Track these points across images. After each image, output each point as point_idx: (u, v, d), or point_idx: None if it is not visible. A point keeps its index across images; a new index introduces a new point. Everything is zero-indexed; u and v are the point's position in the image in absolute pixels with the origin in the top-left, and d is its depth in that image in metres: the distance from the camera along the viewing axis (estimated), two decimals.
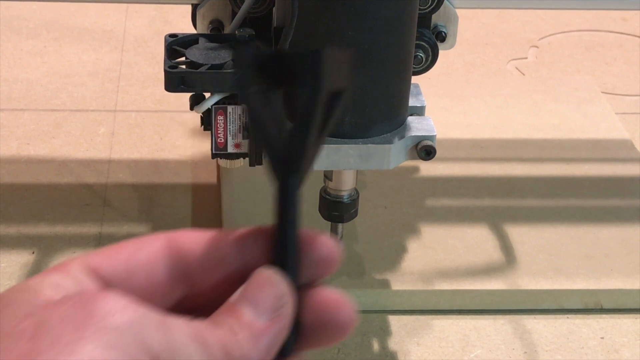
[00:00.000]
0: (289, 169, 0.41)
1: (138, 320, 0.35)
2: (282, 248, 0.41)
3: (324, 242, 0.43)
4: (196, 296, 0.40)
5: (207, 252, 0.40)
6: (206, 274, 0.40)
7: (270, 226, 0.43)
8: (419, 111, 0.77)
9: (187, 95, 0.74)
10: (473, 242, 0.92)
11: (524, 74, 1.25)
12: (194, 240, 0.40)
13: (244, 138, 0.74)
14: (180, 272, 0.40)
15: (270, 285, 0.39)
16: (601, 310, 0.88)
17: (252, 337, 0.37)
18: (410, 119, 0.76)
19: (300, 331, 0.39)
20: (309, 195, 0.90)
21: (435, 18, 0.81)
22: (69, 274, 0.38)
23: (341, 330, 0.40)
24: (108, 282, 0.38)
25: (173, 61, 0.72)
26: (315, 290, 0.42)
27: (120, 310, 0.35)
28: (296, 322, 0.39)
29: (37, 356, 0.33)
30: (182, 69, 0.71)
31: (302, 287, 0.41)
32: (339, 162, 0.73)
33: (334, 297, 0.42)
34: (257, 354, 0.37)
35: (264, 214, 0.93)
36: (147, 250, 0.39)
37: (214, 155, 0.75)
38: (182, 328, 0.36)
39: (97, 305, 0.35)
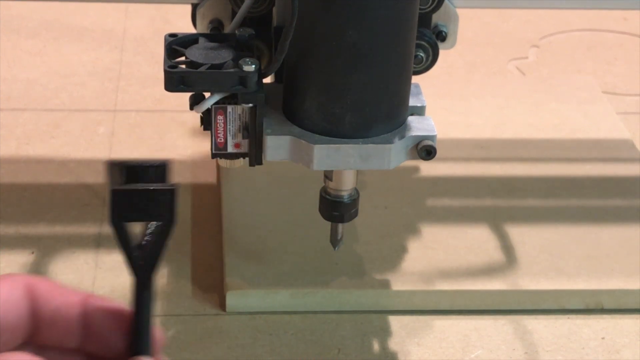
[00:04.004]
0: (140, 281, 0.48)
1: None
2: (140, 341, 0.49)
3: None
4: (38, 339, 0.46)
5: (58, 307, 0.46)
6: (52, 325, 0.45)
7: (116, 306, 0.50)
8: (419, 111, 0.77)
9: (187, 95, 0.73)
10: (474, 242, 0.92)
11: (524, 74, 1.25)
12: (49, 291, 0.46)
13: (243, 138, 0.74)
14: (32, 316, 0.44)
15: None
16: (602, 311, 0.88)
17: None
18: (410, 119, 0.76)
19: None
20: (309, 195, 0.90)
21: (436, 17, 0.81)
22: None
23: None
24: None
25: (173, 61, 0.72)
26: None
27: None
28: None
29: None
30: (182, 68, 0.71)
31: None
32: (339, 162, 0.73)
33: None
34: None
35: (264, 214, 0.93)
36: (8, 287, 0.43)
37: (213, 155, 0.75)
38: None
39: None
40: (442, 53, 0.81)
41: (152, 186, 0.48)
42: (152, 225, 0.49)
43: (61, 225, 0.93)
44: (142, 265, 0.49)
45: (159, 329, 0.50)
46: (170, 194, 0.48)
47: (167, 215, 0.48)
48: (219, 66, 0.71)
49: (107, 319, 0.49)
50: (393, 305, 0.86)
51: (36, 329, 0.46)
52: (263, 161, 0.75)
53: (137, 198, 0.47)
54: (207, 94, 0.73)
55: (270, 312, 0.85)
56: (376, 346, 0.83)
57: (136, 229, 0.49)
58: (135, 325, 0.49)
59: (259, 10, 0.78)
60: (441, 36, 0.81)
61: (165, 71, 0.70)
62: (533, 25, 1.36)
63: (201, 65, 0.71)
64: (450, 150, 1.04)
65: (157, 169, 0.49)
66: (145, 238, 0.49)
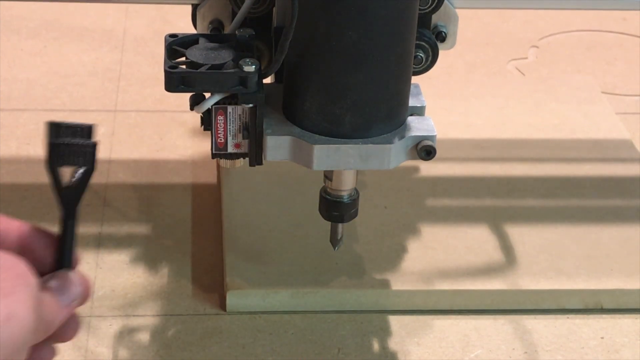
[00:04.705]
0: (67, 212, 0.63)
1: (37, 280, 0.56)
2: (64, 258, 0.62)
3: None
4: None
5: (1, 229, 0.61)
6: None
7: (48, 230, 0.63)
8: (419, 111, 0.77)
9: (187, 95, 0.74)
10: (473, 242, 0.92)
11: (524, 74, 1.25)
12: None
13: (244, 138, 0.74)
14: None
15: (74, 286, 0.61)
16: (602, 310, 0.88)
17: (58, 310, 0.59)
18: (410, 119, 0.76)
19: None
20: (309, 195, 0.90)
21: (436, 18, 0.81)
22: None
23: None
24: None
25: (173, 61, 0.72)
26: None
27: (32, 273, 0.56)
28: None
29: None
30: (182, 69, 0.71)
31: None
32: (339, 162, 0.73)
33: None
34: (57, 320, 0.59)
35: (264, 214, 0.93)
36: None
37: (214, 155, 0.75)
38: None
39: (19, 266, 0.55)
40: (442, 53, 0.81)
41: (80, 140, 0.61)
42: (78, 171, 0.62)
43: None
44: (68, 200, 0.63)
45: (78, 252, 0.64)
46: (93, 147, 0.61)
47: (89, 163, 0.61)
48: (219, 66, 0.71)
49: (40, 241, 0.62)
50: (393, 305, 0.86)
51: None
52: (263, 161, 0.75)
53: (68, 149, 0.61)
54: (207, 94, 0.73)
55: (270, 312, 0.85)
56: (376, 346, 0.83)
57: (65, 175, 0.62)
58: (61, 246, 0.62)
59: (259, 10, 0.78)
60: (441, 36, 0.81)
61: (165, 71, 0.70)
62: (533, 25, 1.37)
63: (201, 65, 0.71)
64: (450, 150, 1.04)
65: (85, 130, 0.61)
66: (72, 180, 0.62)
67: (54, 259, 0.62)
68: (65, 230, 0.63)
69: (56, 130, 0.61)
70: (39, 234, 0.63)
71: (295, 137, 0.73)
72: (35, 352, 0.60)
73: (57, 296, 0.60)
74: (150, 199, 0.98)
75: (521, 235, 0.93)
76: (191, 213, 0.96)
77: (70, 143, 0.61)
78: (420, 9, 0.77)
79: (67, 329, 0.62)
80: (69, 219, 0.63)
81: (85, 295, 0.63)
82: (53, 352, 0.62)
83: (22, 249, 0.61)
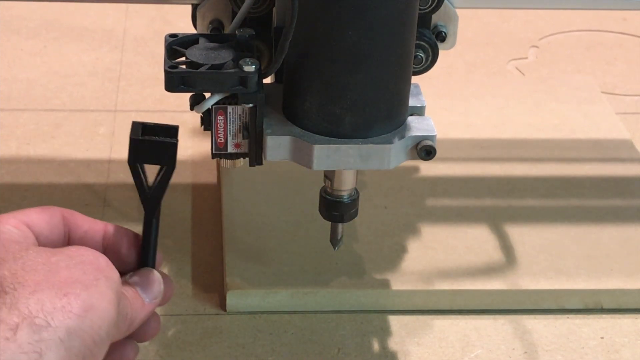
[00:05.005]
0: (149, 212, 0.64)
1: (119, 275, 0.58)
2: (146, 257, 0.63)
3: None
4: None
5: (86, 231, 0.63)
6: (80, 239, 0.62)
7: (130, 231, 0.64)
8: (419, 111, 0.77)
9: (187, 95, 0.74)
10: (473, 242, 0.92)
11: (524, 74, 1.25)
12: (80, 219, 0.63)
13: (244, 138, 0.74)
14: (66, 237, 0.62)
15: (156, 283, 0.62)
16: (602, 310, 0.88)
17: (141, 307, 0.60)
18: (410, 119, 0.76)
19: None
20: (309, 195, 0.90)
21: (436, 18, 0.81)
22: (17, 227, 0.58)
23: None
24: (37, 233, 0.59)
25: (173, 61, 0.72)
26: None
27: (112, 268, 0.57)
28: None
29: (72, 281, 0.54)
30: (182, 69, 0.71)
31: None
32: (339, 162, 0.73)
33: None
34: (140, 316, 0.60)
35: (264, 214, 0.93)
36: (51, 214, 0.61)
37: (214, 155, 0.75)
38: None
39: (99, 260, 0.57)
40: (442, 53, 0.81)
41: (160, 138, 0.62)
42: (159, 171, 0.63)
43: None
44: (150, 199, 0.63)
45: (159, 252, 0.64)
46: (172, 145, 0.62)
47: (170, 161, 0.62)
48: (219, 66, 0.71)
49: (123, 240, 0.63)
50: (393, 305, 0.86)
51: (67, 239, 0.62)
52: (263, 161, 0.75)
53: (148, 146, 0.62)
54: (207, 94, 0.73)
55: (270, 311, 0.85)
56: (376, 346, 0.83)
57: (149, 177, 0.63)
58: (144, 245, 0.63)
59: (259, 10, 0.78)
60: (441, 36, 0.81)
61: (165, 71, 0.70)
62: (533, 25, 1.37)
63: (201, 65, 0.71)
64: (450, 150, 1.04)
65: (166, 129, 0.62)
66: (154, 180, 0.63)
67: (137, 258, 0.63)
68: (148, 229, 0.63)
69: (139, 129, 0.62)
70: (123, 234, 0.63)
71: (295, 137, 0.73)
72: (118, 349, 0.60)
73: (140, 292, 0.61)
74: None
75: (521, 235, 0.93)
76: (191, 213, 0.96)
77: (150, 140, 0.62)
78: (420, 9, 0.77)
79: (148, 327, 0.62)
80: (151, 218, 0.64)
81: (167, 294, 0.63)
82: (136, 350, 0.62)
83: (106, 249, 0.62)
